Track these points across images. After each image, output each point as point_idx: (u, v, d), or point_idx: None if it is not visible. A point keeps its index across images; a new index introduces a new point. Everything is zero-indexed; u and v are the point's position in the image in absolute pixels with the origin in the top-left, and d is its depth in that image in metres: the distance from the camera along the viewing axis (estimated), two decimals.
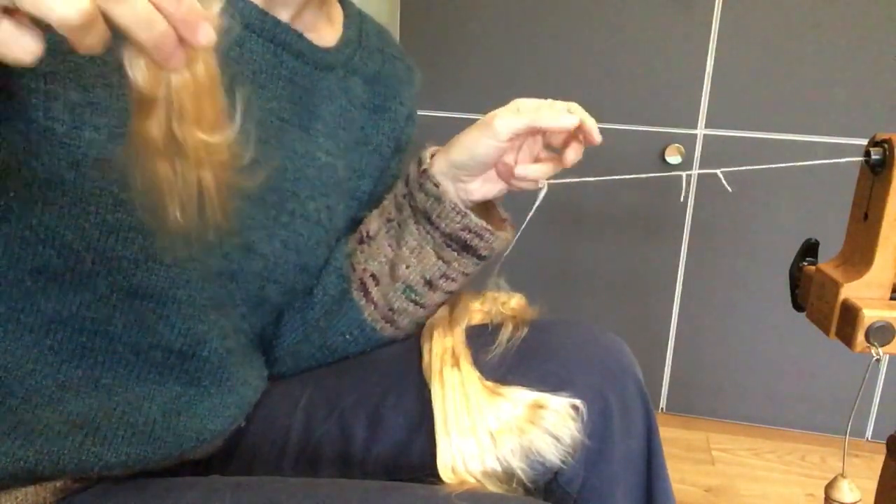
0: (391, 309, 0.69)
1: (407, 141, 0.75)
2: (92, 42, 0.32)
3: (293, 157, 0.61)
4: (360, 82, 0.68)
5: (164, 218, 0.41)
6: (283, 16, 0.59)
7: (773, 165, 0.65)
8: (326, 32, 0.65)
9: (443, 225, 0.65)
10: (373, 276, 0.68)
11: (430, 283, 0.68)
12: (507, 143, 0.62)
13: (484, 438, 0.59)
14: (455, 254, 0.67)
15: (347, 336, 0.70)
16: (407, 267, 0.67)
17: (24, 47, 0.31)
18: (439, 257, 0.67)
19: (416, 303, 0.69)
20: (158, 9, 0.33)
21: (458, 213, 0.64)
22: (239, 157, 0.43)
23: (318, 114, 0.63)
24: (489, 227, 0.66)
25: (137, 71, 0.36)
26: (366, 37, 0.69)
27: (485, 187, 0.67)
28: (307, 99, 0.62)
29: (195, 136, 0.39)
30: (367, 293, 0.69)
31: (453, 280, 0.69)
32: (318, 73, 0.63)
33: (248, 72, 0.56)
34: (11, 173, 0.47)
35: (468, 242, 0.66)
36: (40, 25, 0.32)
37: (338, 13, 0.67)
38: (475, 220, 0.65)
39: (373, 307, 0.69)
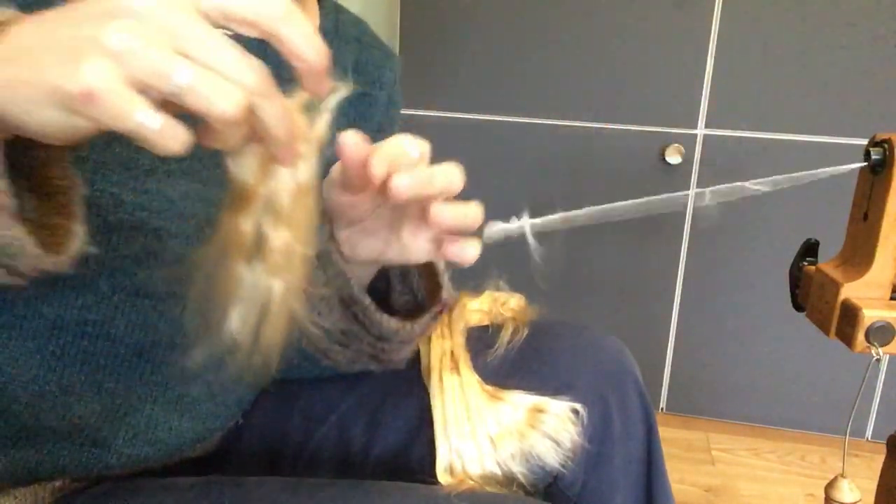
0: (324, 351, 0.62)
1: (390, 123, 0.74)
2: (236, 138, 0.32)
3: None
4: (338, 71, 0.68)
5: (216, 326, 0.39)
6: None
7: (785, 176, 0.64)
8: None
9: (333, 283, 0.55)
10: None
11: (344, 333, 0.59)
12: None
13: (484, 443, 0.59)
14: (348, 308, 0.57)
15: (293, 360, 0.66)
16: (318, 313, 0.57)
17: (177, 138, 0.31)
18: (344, 312, 0.57)
19: (340, 343, 0.60)
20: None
21: (342, 277, 0.53)
22: (309, 280, 0.41)
23: None
24: (371, 304, 0.55)
25: (245, 165, 0.36)
26: (342, 27, 0.69)
27: (363, 244, 0.53)
28: (290, 91, 0.62)
29: (284, 239, 0.37)
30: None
31: (361, 344, 0.59)
32: None
33: None
34: None
35: (355, 314, 0.56)
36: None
37: (313, 6, 0.67)
38: (357, 292, 0.54)
39: (305, 340, 0.62)
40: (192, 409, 0.59)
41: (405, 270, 0.60)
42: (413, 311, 0.60)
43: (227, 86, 0.31)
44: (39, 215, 0.37)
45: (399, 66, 0.76)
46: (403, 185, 0.41)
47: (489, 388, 0.62)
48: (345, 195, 0.47)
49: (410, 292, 0.61)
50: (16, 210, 0.33)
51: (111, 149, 0.48)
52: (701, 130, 1.54)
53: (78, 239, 0.38)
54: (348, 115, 0.69)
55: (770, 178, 0.56)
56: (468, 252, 0.46)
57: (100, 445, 0.54)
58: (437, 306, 0.59)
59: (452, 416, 0.60)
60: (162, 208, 0.51)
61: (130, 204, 0.49)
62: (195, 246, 0.54)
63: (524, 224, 0.46)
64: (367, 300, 0.55)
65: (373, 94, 0.71)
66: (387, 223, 0.51)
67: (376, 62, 0.72)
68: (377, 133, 0.72)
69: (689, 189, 1.63)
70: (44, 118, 0.31)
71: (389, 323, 0.56)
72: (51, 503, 0.55)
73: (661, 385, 1.71)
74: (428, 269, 0.60)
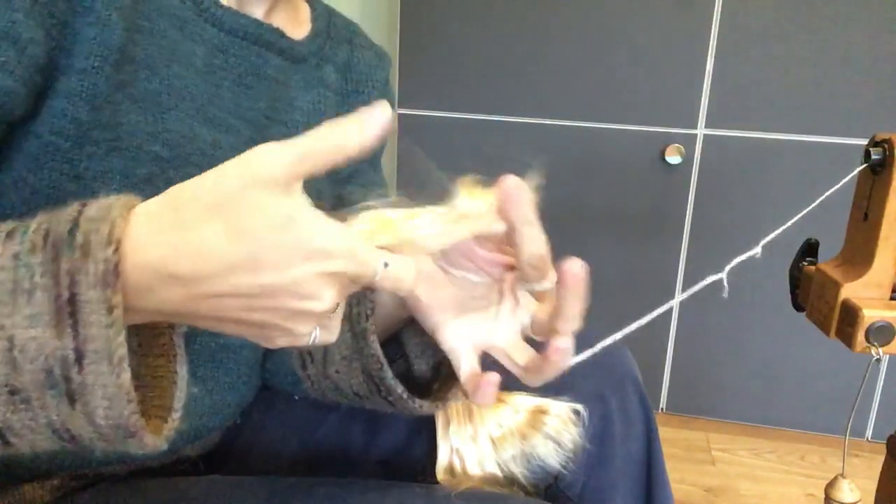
0: (325, 396, 0.61)
1: None
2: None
3: None
4: (332, 70, 0.69)
5: None
6: (258, 14, 0.60)
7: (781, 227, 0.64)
8: (295, 27, 0.65)
9: (364, 361, 0.53)
10: (309, 352, 0.60)
11: (358, 395, 0.57)
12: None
13: (485, 444, 0.59)
14: (377, 388, 0.55)
15: (296, 397, 0.67)
16: (336, 371, 0.57)
17: None
18: (366, 380, 0.55)
19: (348, 398, 0.59)
20: None
21: (376, 361, 0.52)
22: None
23: (295, 105, 0.64)
24: (404, 392, 0.52)
25: None
26: (334, 28, 0.70)
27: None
28: (286, 93, 0.63)
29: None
30: (304, 366, 0.61)
31: (384, 406, 0.57)
32: (294, 67, 0.63)
33: (233, 76, 0.57)
34: (7, 192, 0.48)
35: (382, 395, 0.54)
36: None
37: (305, 9, 0.68)
38: (390, 379, 0.52)
39: (309, 383, 0.61)
40: (189, 406, 0.59)
41: (426, 345, 0.57)
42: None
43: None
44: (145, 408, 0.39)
45: (391, 66, 0.76)
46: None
47: None
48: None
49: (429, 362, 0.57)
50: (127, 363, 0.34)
51: (110, 158, 0.49)
52: (701, 130, 1.54)
53: (174, 423, 0.40)
54: (341, 113, 0.69)
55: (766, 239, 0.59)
56: (566, 355, 0.43)
57: None
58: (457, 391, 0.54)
59: (453, 417, 0.60)
60: None
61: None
62: None
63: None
64: (401, 389, 0.52)
65: (364, 92, 0.71)
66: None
67: (368, 62, 0.72)
68: None
69: (688, 189, 1.64)
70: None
71: (421, 408, 0.53)
72: (50, 501, 0.55)
73: (661, 385, 1.71)
74: None
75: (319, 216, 0.35)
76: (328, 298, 0.36)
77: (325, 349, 0.58)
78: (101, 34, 0.47)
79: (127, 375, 0.34)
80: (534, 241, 0.43)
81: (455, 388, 0.53)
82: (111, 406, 0.34)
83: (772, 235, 0.59)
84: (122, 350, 0.33)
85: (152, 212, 0.35)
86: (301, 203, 0.35)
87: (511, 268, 0.47)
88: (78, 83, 0.47)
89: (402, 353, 0.56)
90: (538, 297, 0.46)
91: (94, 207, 0.34)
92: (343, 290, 0.37)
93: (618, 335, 0.50)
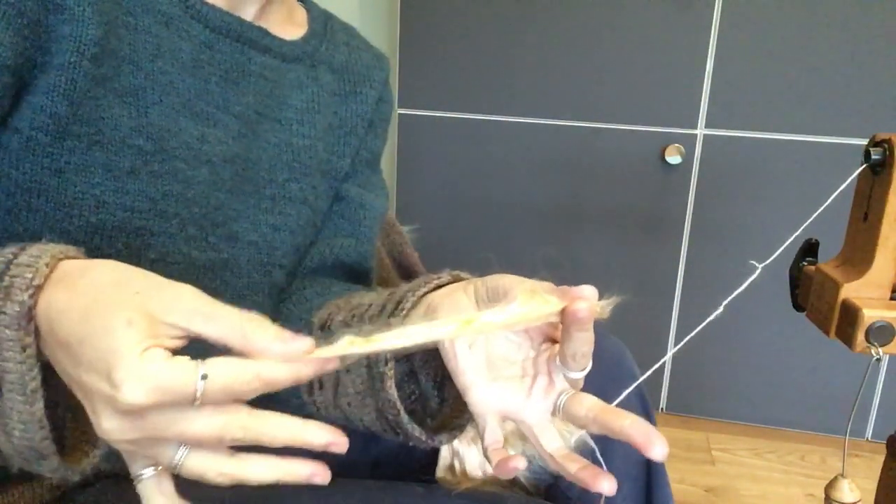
0: (333, 423, 0.60)
1: (381, 119, 0.75)
2: None
3: (266, 147, 0.63)
4: (328, 71, 0.69)
5: None
6: (248, 14, 0.61)
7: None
8: (290, 30, 0.66)
9: (378, 403, 0.53)
10: (318, 377, 0.56)
11: (369, 429, 0.57)
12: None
13: None
14: (392, 429, 0.54)
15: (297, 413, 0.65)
16: (348, 404, 0.55)
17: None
18: (379, 419, 0.54)
19: (354, 426, 0.57)
20: None
21: (392, 406, 0.51)
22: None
23: (288, 103, 0.65)
24: (422, 433, 0.52)
25: None
26: (331, 31, 0.71)
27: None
28: (277, 91, 0.64)
29: None
30: (311, 392, 0.58)
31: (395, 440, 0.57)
32: (285, 66, 0.64)
33: (220, 71, 0.58)
34: None
35: (396, 435, 0.54)
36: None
37: (301, 13, 0.69)
38: (406, 423, 0.52)
39: (315, 409, 0.59)
40: None
41: (440, 379, 0.56)
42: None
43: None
44: (70, 435, 0.42)
45: (390, 68, 0.77)
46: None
47: None
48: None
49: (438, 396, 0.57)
50: (48, 427, 0.37)
51: (92, 152, 0.49)
52: (701, 130, 1.54)
53: (94, 459, 0.42)
54: (339, 113, 0.70)
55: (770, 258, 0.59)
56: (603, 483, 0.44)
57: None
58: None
59: None
60: (143, 208, 0.52)
61: (112, 205, 0.50)
62: (177, 244, 0.54)
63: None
64: (418, 431, 0.51)
65: (362, 92, 0.72)
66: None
67: (366, 63, 0.73)
68: (368, 129, 0.72)
69: (688, 189, 1.63)
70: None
71: (440, 443, 0.53)
72: (49, 500, 0.55)
73: (661, 385, 1.71)
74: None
75: (151, 355, 0.33)
76: (108, 428, 0.35)
77: (338, 379, 0.55)
78: (76, 30, 0.48)
79: (39, 405, 0.37)
80: (584, 343, 0.45)
81: (467, 414, 0.52)
82: (26, 430, 0.37)
83: (773, 257, 0.59)
84: (35, 384, 0.36)
85: (73, 266, 0.37)
86: (143, 341, 0.33)
87: (553, 341, 0.48)
88: (56, 79, 0.47)
89: (408, 364, 0.56)
90: (571, 383, 0.47)
91: (27, 254, 0.37)
92: (148, 424, 0.34)
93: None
